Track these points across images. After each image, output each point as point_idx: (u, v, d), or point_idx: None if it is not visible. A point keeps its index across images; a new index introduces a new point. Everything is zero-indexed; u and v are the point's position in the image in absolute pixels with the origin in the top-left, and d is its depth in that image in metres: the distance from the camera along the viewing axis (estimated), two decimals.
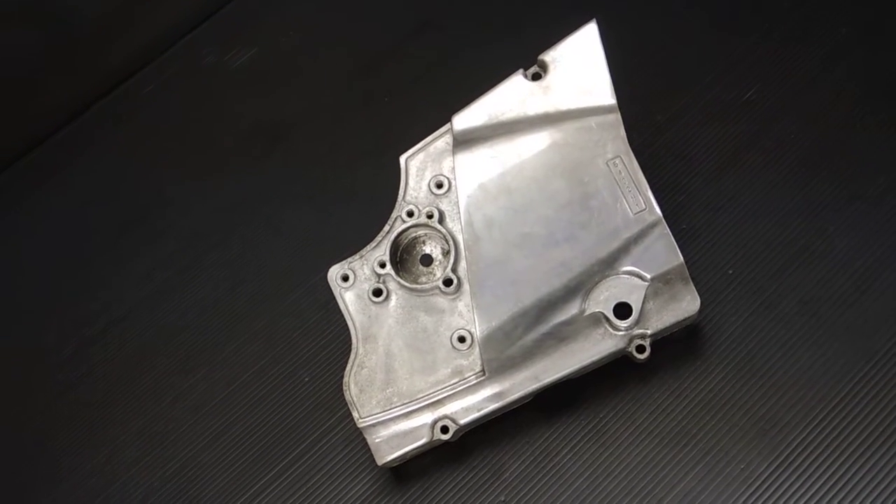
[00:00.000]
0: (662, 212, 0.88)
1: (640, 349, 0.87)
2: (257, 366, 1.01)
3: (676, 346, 0.91)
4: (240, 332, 1.04)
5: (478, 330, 0.86)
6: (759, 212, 0.97)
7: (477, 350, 0.87)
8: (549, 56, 0.90)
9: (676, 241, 0.90)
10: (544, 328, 0.86)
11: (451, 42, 1.19)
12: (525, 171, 0.87)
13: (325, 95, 1.19)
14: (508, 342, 0.86)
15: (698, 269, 0.95)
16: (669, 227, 0.91)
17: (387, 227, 0.91)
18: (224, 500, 0.95)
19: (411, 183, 0.91)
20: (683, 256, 0.88)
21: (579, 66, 0.89)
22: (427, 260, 0.92)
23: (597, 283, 0.87)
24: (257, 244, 1.09)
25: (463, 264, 0.88)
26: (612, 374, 0.90)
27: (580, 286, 0.86)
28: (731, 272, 0.95)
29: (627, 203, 0.86)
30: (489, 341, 0.86)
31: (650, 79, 1.08)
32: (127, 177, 1.19)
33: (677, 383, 0.90)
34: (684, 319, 0.87)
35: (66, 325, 1.09)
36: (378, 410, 0.88)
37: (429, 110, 0.96)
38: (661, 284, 0.86)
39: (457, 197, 0.88)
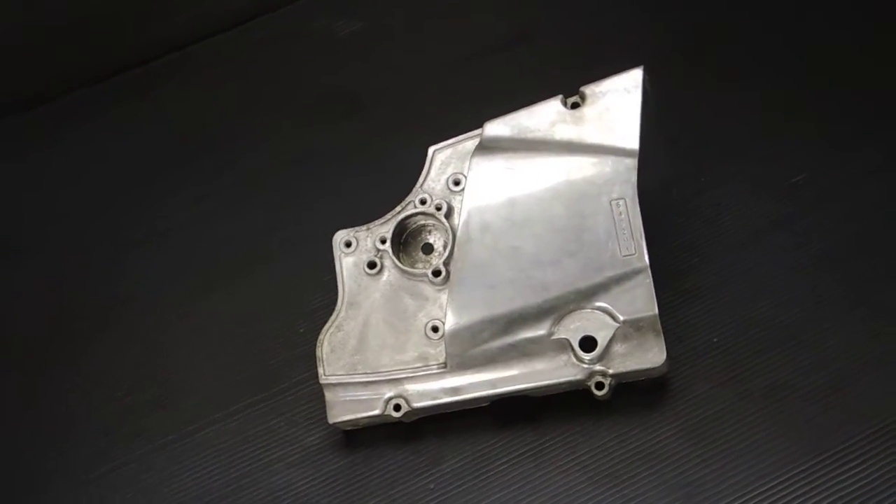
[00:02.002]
0: (673, 268, 0.90)
1: (599, 386, 0.90)
2: (265, 306, 1.08)
3: (639, 394, 0.93)
4: (260, 271, 1.11)
5: (447, 323, 0.90)
6: (765, 290, 0.98)
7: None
8: (590, 89, 0.93)
9: (677, 299, 0.93)
10: (510, 339, 0.90)
11: (544, 55, 1.23)
12: (532, 189, 0.91)
13: (413, 77, 1.26)
14: (473, 343, 0.90)
15: (686, 329, 0.96)
16: (674, 284, 0.94)
17: (398, 209, 0.96)
18: (194, 413, 1.01)
19: (432, 174, 0.96)
20: (676, 315, 0.90)
21: (614, 106, 0.92)
22: (428, 248, 0.96)
23: (570, 312, 0.90)
24: (303, 198, 1.16)
25: None
26: (571, 403, 0.92)
27: (553, 310, 0.89)
28: (715, 340, 0.96)
29: (619, 244, 0.89)
30: (455, 337, 0.90)
31: (707, 140, 1.10)
32: (208, 111, 1.28)
33: (626, 429, 0.92)
34: (648, 369, 0.89)
35: (110, 227, 1.18)
36: (342, 373, 0.93)
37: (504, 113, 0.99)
38: (632, 330, 0.89)
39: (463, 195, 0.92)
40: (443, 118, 1.14)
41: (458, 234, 0.91)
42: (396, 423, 0.95)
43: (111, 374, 1.07)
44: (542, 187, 0.91)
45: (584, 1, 1.30)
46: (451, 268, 0.91)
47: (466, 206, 0.91)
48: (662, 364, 0.89)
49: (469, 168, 0.92)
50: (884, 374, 0.91)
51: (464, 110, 1.06)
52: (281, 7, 1.37)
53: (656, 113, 0.95)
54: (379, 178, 1.12)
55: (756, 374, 0.93)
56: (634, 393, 0.93)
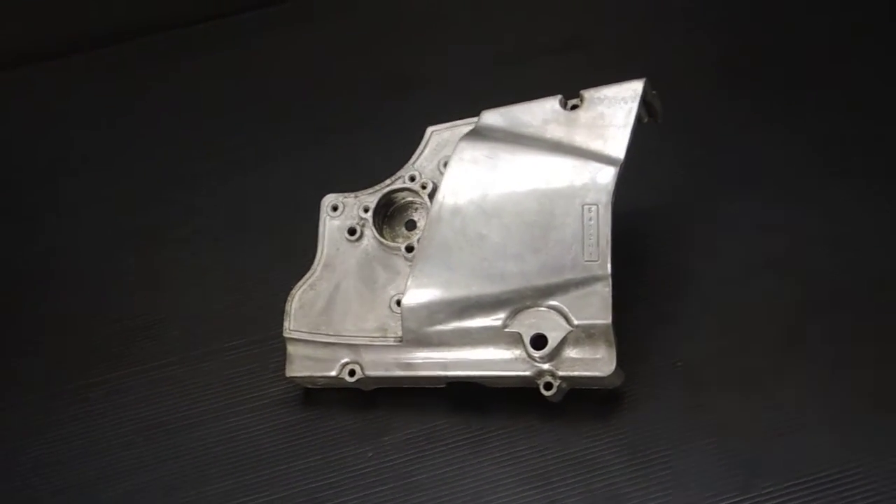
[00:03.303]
0: (660, 289, 0.91)
1: (548, 386, 0.90)
2: (267, 259, 1.12)
3: (591, 402, 0.93)
4: (281, 225, 1.14)
5: (404, 297, 0.92)
6: (740, 327, 0.97)
7: None
8: (590, 94, 0.93)
9: (654, 320, 0.94)
10: (465, 324, 0.91)
11: (597, 61, 1.24)
12: (509, 181, 0.92)
13: (464, 66, 1.29)
14: (429, 322, 0.92)
15: (654, 349, 0.96)
16: (655, 304, 0.95)
17: (388, 181, 0.98)
18: (176, 346, 1.06)
19: (426, 153, 0.98)
20: (648, 334, 0.93)
21: (608, 113, 0.92)
22: (411, 225, 0.99)
23: (527, 308, 0.90)
24: (344, 152, 1.21)
25: None
26: (524, 400, 0.93)
27: (509, 302, 0.90)
28: (679, 365, 0.95)
29: (584, 248, 0.89)
30: (411, 312, 0.92)
31: (728, 169, 1.10)
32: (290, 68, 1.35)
33: (569, 434, 0.92)
34: (596, 378, 0.89)
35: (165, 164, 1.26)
36: (305, 330, 0.96)
37: None
38: (584, 336, 0.89)
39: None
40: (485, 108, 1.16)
41: (431, 212, 0.93)
42: (354, 390, 0.97)
43: (112, 297, 1.12)
44: (518, 181, 0.91)
45: (647, 13, 1.31)
46: (418, 245, 0.93)
47: (443, 188, 0.93)
48: (611, 375, 0.89)
49: (454, 150, 0.94)
50: (830, 429, 0.88)
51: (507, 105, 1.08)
52: None
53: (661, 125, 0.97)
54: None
55: (708, 406, 0.92)
56: (586, 401, 0.93)
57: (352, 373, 0.95)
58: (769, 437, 0.89)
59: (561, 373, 0.89)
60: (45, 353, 1.09)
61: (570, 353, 0.89)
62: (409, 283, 0.92)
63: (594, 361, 0.89)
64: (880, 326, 0.94)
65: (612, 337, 0.88)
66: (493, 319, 0.90)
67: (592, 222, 0.89)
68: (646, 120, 0.98)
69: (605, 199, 0.89)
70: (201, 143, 1.27)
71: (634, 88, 0.92)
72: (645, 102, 0.95)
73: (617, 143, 0.91)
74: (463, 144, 0.94)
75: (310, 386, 0.98)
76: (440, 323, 0.91)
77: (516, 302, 0.90)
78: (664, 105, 0.96)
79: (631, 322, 0.97)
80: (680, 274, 1.02)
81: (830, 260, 0.99)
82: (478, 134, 0.95)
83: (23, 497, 0.97)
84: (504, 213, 0.91)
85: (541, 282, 0.89)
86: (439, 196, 0.93)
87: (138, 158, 1.27)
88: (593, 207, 0.89)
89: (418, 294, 0.92)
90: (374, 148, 1.17)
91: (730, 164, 1.10)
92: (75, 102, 1.37)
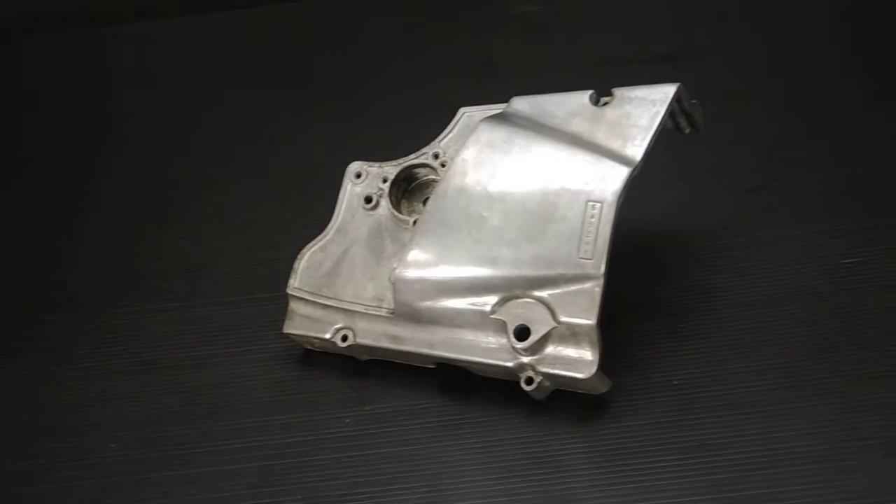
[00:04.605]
0: (678, 305, 0.94)
1: (529, 381, 0.89)
2: (305, 210, 1.14)
3: (577, 406, 0.90)
4: (298, 180, 1.20)
5: (397, 269, 0.92)
6: (747, 354, 0.93)
7: None
8: (621, 92, 0.91)
9: (663, 334, 0.94)
10: (454, 304, 0.90)
11: (684, 77, 1.20)
12: (518, 168, 0.90)
13: (557, 67, 1.31)
14: (419, 297, 0.91)
15: (653, 363, 0.93)
16: (669, 320, 0.95)
17: (413, 156, 0.99)
18: (203, 291, 1.10)
19: (454, 133, 0.98)
20: (652, 347, 0.92)
21: (635, 114, 0.90)
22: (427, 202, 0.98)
23: (516, 297, 0.89)
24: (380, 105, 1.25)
25: None
26: (511, 394, 0.91)
27: (499, 289, 0.89)
28: (675, 383, 0.92)
29: (580, 245, 0.87)
30: (403, 285, 0.92)
31: (785, 197, 1.07)
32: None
33: (545, 432, 0.90)
34: (576, 379, 0.87)
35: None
36: (308, 289, 0.98)
37: None
38: (569, 334, 0.87)
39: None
40: None
41: (437, 188, 0.93)
42: (351, 358, 0.97)
43: (153, 241, 1.18)
44: (528, 168, 0.90)
45: (740, 36, 1.30)
46: (420, 218, 0.93)
47: (454, 166, 0.92)
48: (592, 378, 0.86)
49: (473, 131, 0.93)
50: (811, 472, 0.83)
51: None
52: None
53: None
54: None
55: (696, 427, 0.88)
56: (573, 403, 0.91)
57: (344, 338, 0.95)
58: (749, 469, 0.84)
59: (542, 369, 0.87)
60: (90, 272, 1.15)
61: (554, 350, 0.87)
62: (404, 255, 0.92)
63: (576, 362, 0.86)
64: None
65: (596, 339, 0.86)
66: (482, 304, 0.89)
67: (594, 220, 0.86)
68: (687, 130, 0.95)
69: (610, 198, 0.86)
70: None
71: (665, 92, 0.89)
72: (683, 111, 0.92)
73: (636, 144, 0.88)
74: (483, 126, 0.93)
75: (308, 346, 0.99)
76: (430, 299, 0.91)
77: (506, 289, 0.88)
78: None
79: (638, 333, 0.96)
80: (701, 293, 0.99)
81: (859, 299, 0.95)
82: (502, 118, 0.94)
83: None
84: (508, 199, 0.90)
85: (532, 272, 0.87)
86: (448, 173, 0.92)
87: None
88: (597, 205, 0.87)
89: (411, 267, 0.91)
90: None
91: (775, 193, 1.05)
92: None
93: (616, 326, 0.89)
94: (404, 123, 1.21)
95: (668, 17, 1.37)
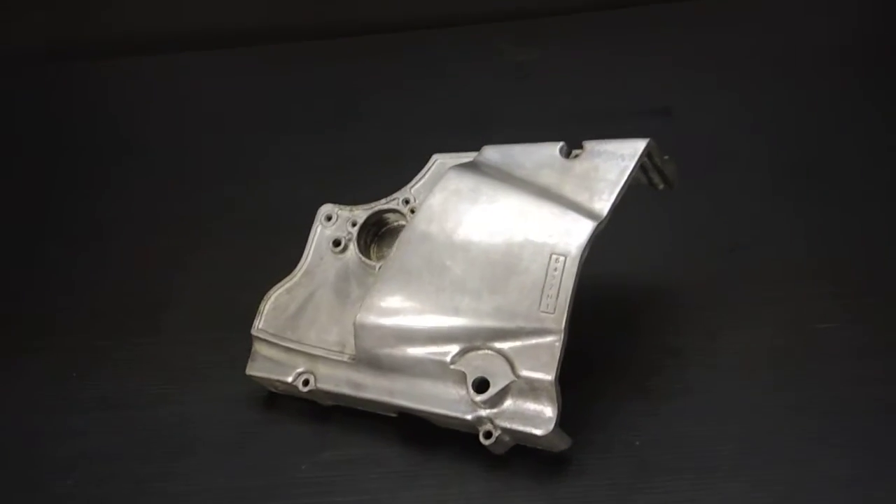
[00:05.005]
0: (656, 366, 0.93)
1: (487, 435, 0.87)
2: (252, 240, 1.17)
3: (536, 462, 0.88)
4: (272, 219, 1.20)
5: (358, 315, 0.91)
6: (714, 417, 0.91)
7: None
8: (591, 145, 0.90)
9: (630, 393, 0.92)
10: (414, 353, 0.89)
11: (676, 133, 1.22)
12: (484, 217, 0.89)
13: (547, 117, 1.32)
14: (380, 344, 0.90)
15: (618, 422, 0.91)
16: (641, 380, 0.93)
17: (383, 201, 0.98)
18: (170, 325, 1.10)
19: (425, 179, 0.97)
20: (618, 406, 0.90)
21: (603, 168, 0.89)
22: None
23: (477, 348, 0.87)
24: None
25: None
26: (471, 448, 0.89)
27: (460, 339, 0.87)
28: (637, 444, 0.90)
29: (542, 299, 0.86)
30: (363, 331, 0.91)
31: (765, 261, 1.06)
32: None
33: (501, 487, 0.88)
34: (534, 435, 0.85)
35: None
36: (272, 332, 0.97)
37: None
38: (528, 389, 0.85)
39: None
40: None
41: (402, 234, 0.92)
42: (313, 403, 0.96)
43: (119, 276, 1.18)
44: (493, 218, 0.89)
45: (736, 92, 1.30)
46: (383, 264, 0.92)
47: (420, 213, 0.92)
48: (550, 434, 0.84)
49: (441, 178, 0.92)
50: None
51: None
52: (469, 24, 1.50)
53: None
54: None
55: (653, 490, 0.87)
56: (533, 459, 0.89)
57: (305, 382, 0.94)
58: None
59: (501, 423, 0.86)
60: (54, 307, 1.15)
61: (513, 404, 0.86)
62: (365, 301, 0.91)
63: (535, 418, 0.85)
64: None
65: (555, 395, 0.84)
66: (442, 354, 0.88)
67: (557, 273, 0.85)
68: (661, 186, 0.94)
69: (574, 251, 0.85)
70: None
71: (635, 147, 0.88)
72: (655, 167, 0.91)
73: (603, 198, 0.87)
74: (451, 174, 0.92)
75: (272, 389, 0.98)
76: (390, 346, 0.89)
77: (466, 339, 0.87)
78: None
79: (604, 390, 0.94)
80: (669, 352, 0.97)
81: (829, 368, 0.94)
82: (471, 166, 0.93)
83: None
84: (472, 248, 0.89)
85: (493, 323, 0.86)
86: (414, 220, 0.92)
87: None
88: (561, 258, 0.86)
89: (373, 313, 0.90)
90: None
91: (751, 254, 1.05)
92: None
93: (583, 382, 0.88)
94: (386, 166, 1.20)
95: (669, 73, 1.36)
